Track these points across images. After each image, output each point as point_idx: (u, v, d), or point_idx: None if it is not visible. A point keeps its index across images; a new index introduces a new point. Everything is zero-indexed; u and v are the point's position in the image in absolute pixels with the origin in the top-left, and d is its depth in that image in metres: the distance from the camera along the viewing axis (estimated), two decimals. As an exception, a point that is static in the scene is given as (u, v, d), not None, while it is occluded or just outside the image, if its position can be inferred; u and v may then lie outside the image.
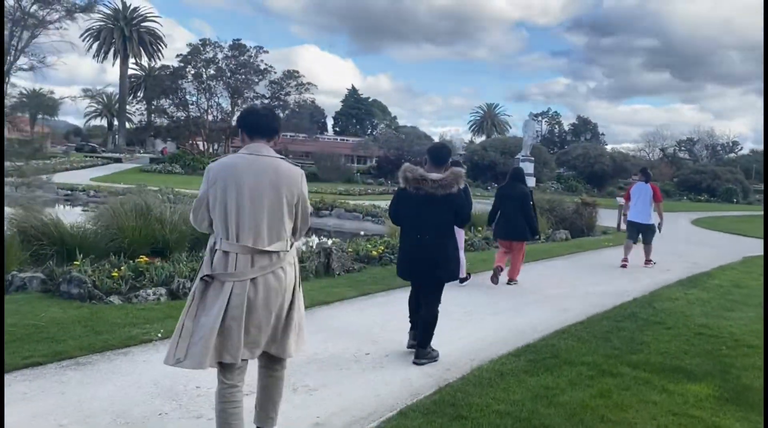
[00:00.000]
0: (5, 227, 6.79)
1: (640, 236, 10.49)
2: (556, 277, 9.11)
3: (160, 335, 4.88)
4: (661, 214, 10.75)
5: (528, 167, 27.08)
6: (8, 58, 11.85)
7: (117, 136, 64.96)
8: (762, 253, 12.97)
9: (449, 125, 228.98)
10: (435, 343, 4.82)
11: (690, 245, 14.04)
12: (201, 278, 2.81)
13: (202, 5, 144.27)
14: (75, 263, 6.57)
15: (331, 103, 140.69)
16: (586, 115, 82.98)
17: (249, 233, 2.79)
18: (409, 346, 4.91)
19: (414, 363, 4.63)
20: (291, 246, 2.94)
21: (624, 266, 10.23)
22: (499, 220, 8.31)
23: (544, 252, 11.52)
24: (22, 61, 12.36)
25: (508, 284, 8.21)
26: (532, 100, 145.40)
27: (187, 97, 47.72)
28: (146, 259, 7.00)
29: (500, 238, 8.46)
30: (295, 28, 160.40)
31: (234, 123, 49.85)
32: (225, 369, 2.85)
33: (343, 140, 73.66)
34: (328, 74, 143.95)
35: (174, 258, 7.56)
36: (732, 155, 70.97)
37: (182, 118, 48.72)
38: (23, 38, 12.09)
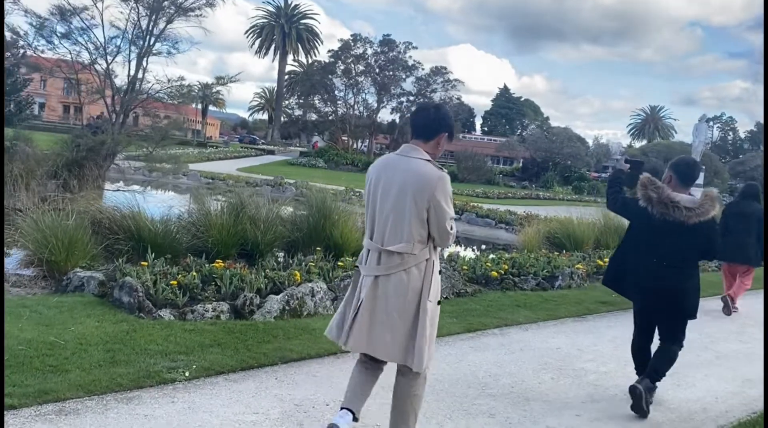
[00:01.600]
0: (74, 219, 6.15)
1: None
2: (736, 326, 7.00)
3: (187, 374, 3.82)
4: None
5: (698, 176, 23.73)
6: (143, 43, 11.66)
7: (273, 129, 68.06)
8: None
9: (606, 128, 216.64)
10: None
11: None
12: (354, 266, 3.15)
13: (364, 6, 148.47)
14: (143, 263, 5.82)
15: (483, 103, 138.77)
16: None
17: (378, 232, 2.88)
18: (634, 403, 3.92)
19: (634, 388, 3.87)
20: (420, 250, 2.83)
21: None
22: (727, 240, 6.83)
23: None
24: (158, 47, 12.03)
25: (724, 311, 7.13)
26: (702, 104, 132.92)
27: (336, 92, 48.23)
28: (222, 264, 6.10)
29: (727, 261, 7.54)
30: (452, 28, 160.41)
31: (377, 119, 50.07)
32: (357, 363, 3.07)
33: (490, 140, 71.49)
34: (483, 74, 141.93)
35: (263, 264, 6.65)
36: None
37: (330, 113, 49.47)
38: (159, 25, 11.78)
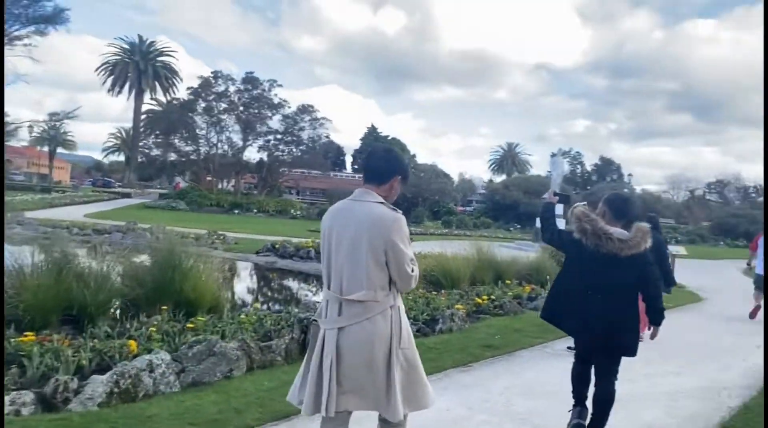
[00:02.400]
0: None
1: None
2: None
3: None
4: None
5: (557, 208, 24.82)
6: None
7: (130, 171, 63.86)
8: None
9: (469, 165, 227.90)
10: None
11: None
12: (311, 322, 2.97)
13: (227, 46, 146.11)
14: None
15: (352, 142, 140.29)
16: (608, 156, 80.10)
17: (336, 281, 2.77)
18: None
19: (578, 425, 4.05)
20: (384, 297, 2.74)
21: (754, 314, 10.09)
22: None
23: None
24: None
25: None
26: (552, 141, 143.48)
27: (198, 131, 46.04)
28: (33, 336, 4.82)
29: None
30: (319, 69, 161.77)
31: (244, 157, 48.46)
32: (323, 420, 2.81)
33: (360, 177, 72.11)
34: (350, 114, 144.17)
35: (92, 331, 5.41)
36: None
37: (192, 152, 47.13)
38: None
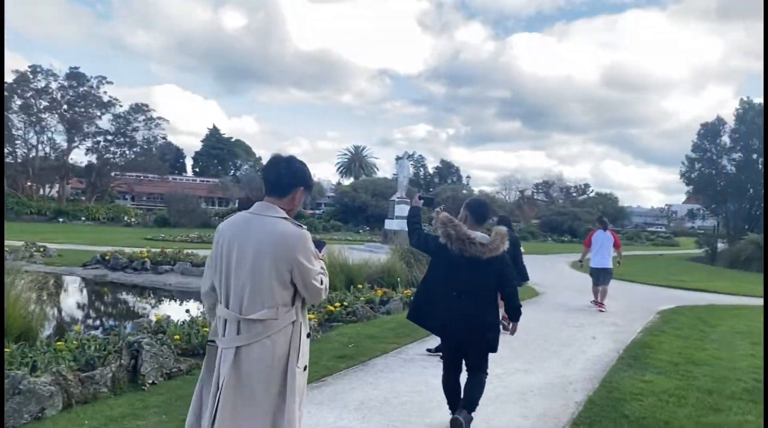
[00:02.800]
0: None
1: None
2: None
3: None
4: (621, 257, 12.04)
5: (403, 210, 25.28)
6: None
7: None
8: (674, 306, 11.81)
9: (317, 168, 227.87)
10: None
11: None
12: (207, 343, 2.77)
13: (51, 41, 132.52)
14: None
15: (192, 144, 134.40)
16: (448, 160, 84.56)
17: (237, 299, 2.64)
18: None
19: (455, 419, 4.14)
20: (285, 314, 2.64)
21: (601, 310, 10.82)
22: None
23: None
24: None
25: None
26: (396, 145, 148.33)
27: (13, 131, 41.11)
28: None
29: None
30: (155, 67, 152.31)
31: (70, 160, 44.16)
32: None
33: (202, 181, 68.97)
34: (190, 114, 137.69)
35: None
36: (583, 196, 75.17)
37: (7, 154, 42.01)
38: None
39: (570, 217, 48.28)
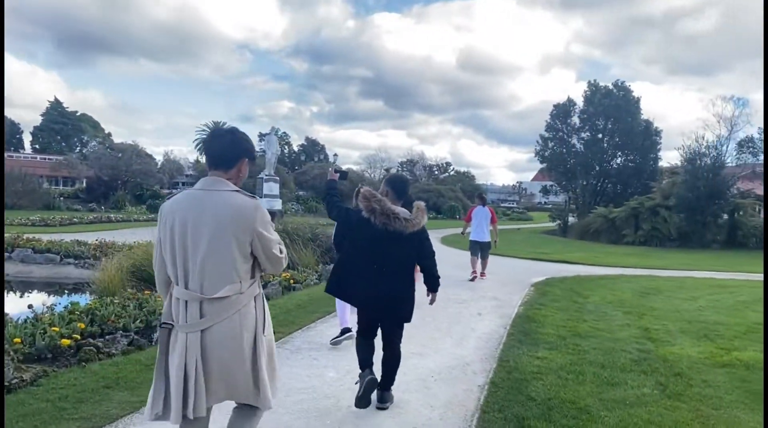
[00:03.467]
0: None
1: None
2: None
3: None
4: (497, 235, 12.59)
5: (273, 188, 24.30)
6: None
7: None
8: (544, 278, 12.19)
9: (173, 145, 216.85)
10: None
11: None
12: (160, 326, 2.67)
13: None
14: None
15: (31, 118, 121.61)
16: (312, 137, 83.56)
17: (196, 279, 2.57)
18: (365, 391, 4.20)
19: (379, 407, 4.32)
20: (249, 287, 2.64)
21: (473, 279, 11.62)
22: None
23: (324, 301, 8.65)
24: None
25: None
26: (258, 122, 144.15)
27: None
28: None
29: None
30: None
31: None
32: (184, 422, 2.64)
33: (44, 158, 62.66)
34: (28, 86, 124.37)
35: None
36: (445, 175, 77.82)
37: None
38: None
39: (435, 194, 49.60)
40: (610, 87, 35.94)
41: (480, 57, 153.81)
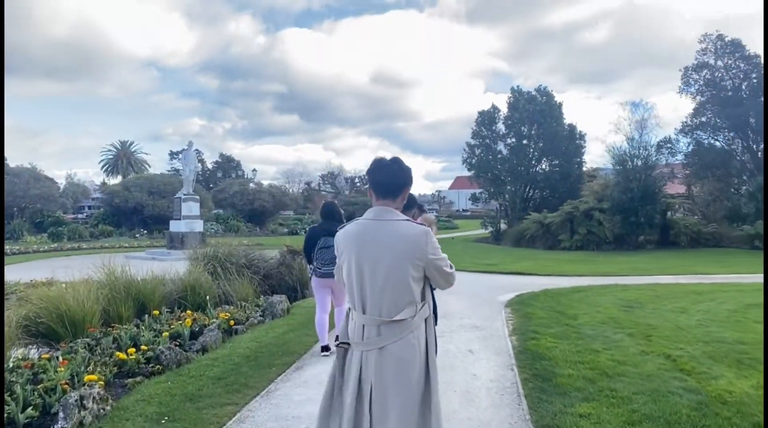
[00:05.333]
0: None
1: None
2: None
3: None
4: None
5: (193, 208, 22.06)
6: None
7: None
8: (512, 294, 10.98)
9: (78, 167, 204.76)
10: None
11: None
12: (337, 344, 2.80)
13: None
14: None
15: None
16: (227, 154, 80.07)
17: (374, 304, 2.70)
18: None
19: None
20: (420, 309, 2.74)
21: None
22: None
23: (279, 348, 6.96)
24: None
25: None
26: (168, 140, 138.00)
27: None
28: None
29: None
30: None
31: None
32: None
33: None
34: None
35: None
36: (368, 186, 76.80)
37: None
38: None
39: (360, 206, 48.16)
40: (533, 93, 35.92)
41: (392, 70, 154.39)
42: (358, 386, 2.65)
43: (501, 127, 36.90)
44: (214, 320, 7.77)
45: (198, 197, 22.84)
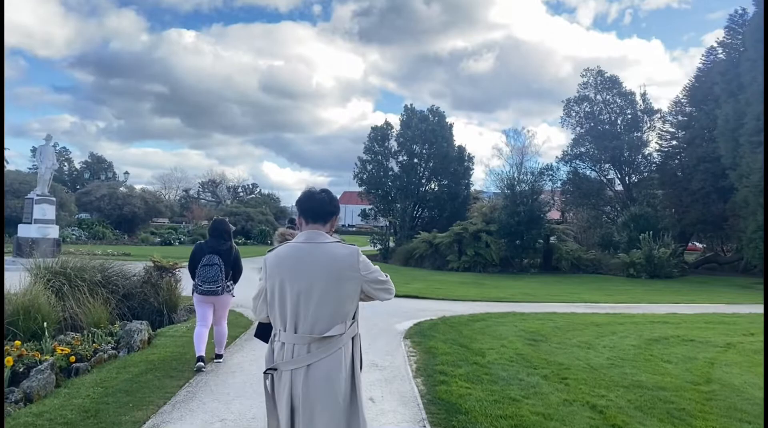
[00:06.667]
0: None
1: None
2: None
3: None
4: None
5: (47, 211, 19.24)
6: None
7: None
8: (409, 323, 10.01)
9: None
10: None
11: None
12: (265, 372, 2.85)
13: None
14: None
15: None
16: (98, 154, 74.13)
17: (308, 323, 2.77)
18: None
19: None
20: (349, 327, 2.84)
21: None
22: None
23: (137, 392, 5.46)
24: None
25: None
26: (33, 136, 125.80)
27: None
28: None
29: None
30: None
31: None
32: None
33: None
34: None
35: None
36: (251, 196, 74.07)
37: None
38: None
39: (243, 217, 45.90)
40: (425, 112, 35.95)
41: (282, 81, 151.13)
42: (290, 405, 2.74)
43: (393, 144, 36.58)
44: (48, 355, 6.11)
45: (54, 199, 20.04)
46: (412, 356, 7.63)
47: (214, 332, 6.94)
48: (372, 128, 36.80)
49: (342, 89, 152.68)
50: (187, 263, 7.05)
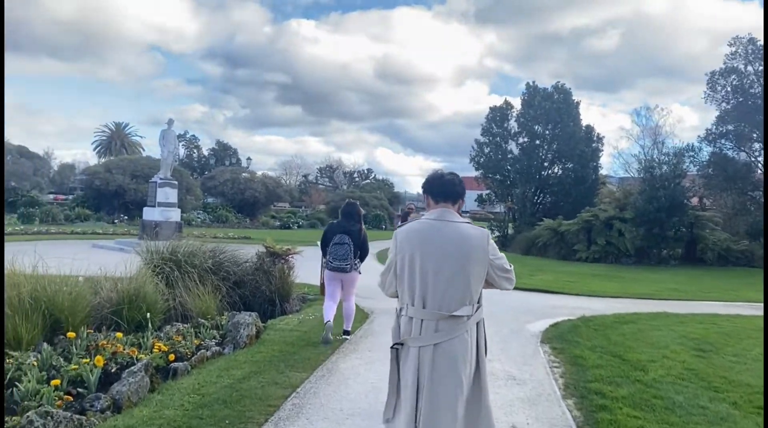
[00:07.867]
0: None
1: None
2: None
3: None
4: None
5: (170, 195, 19.62)
6: None
7: None
8: (546, 322, 8.71)
9: (75, 148, 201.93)
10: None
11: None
12: (391, 347, 2.85)
13: None
14: None
15: None
16: (225, 142, 77.45)
17: (437, 300, 2.76)
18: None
19: None
20: (476, 311, 2.82)
21: None
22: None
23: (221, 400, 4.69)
24: None
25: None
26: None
27: None
28: None
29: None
30: None
31: None
32: None
33: None
34: None
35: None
36: (366, 181, 74.43)
37: None
38: None
39: (359, 202, 45.84)
40: (550, 90, 33.66)
41: (397, 67, 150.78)
42: (416, 384, 2.70)
43: (513, 125, 34.65)
44: (146, 353, 5.51)
45: (176, 182, 20.47)
46: (556, 367, 6.37)
47: (343, 307, 7.26)
48: (490, 108, 35.06)
49: (456, 73, 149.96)
50: (308, 247, 7.52)
